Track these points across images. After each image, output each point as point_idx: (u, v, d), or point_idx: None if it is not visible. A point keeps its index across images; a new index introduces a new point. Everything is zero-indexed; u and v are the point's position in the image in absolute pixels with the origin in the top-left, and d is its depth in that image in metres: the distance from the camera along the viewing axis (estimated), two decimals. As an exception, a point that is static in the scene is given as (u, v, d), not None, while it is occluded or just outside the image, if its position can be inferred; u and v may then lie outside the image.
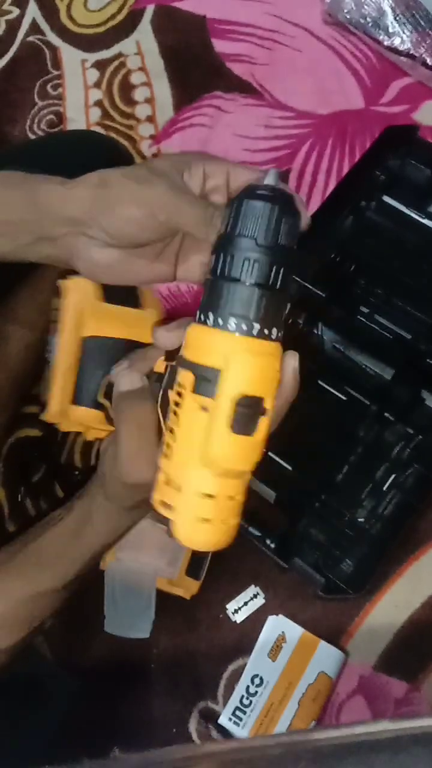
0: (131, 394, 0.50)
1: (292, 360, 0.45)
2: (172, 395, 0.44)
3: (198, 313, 0.43)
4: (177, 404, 0.43)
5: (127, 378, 0.51)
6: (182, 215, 0.45)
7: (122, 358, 0.54)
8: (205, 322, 0.42)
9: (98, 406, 0.55)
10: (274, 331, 0.42)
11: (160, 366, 0.50)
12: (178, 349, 0.45)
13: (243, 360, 0.41)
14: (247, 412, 0.41)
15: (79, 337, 0.54)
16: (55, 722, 0.76)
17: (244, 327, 0.41)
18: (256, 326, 0.41)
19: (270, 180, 0.42)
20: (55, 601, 0.58)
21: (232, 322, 0.41)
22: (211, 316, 0.42)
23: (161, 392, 0.48)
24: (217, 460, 0.42)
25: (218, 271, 0.42)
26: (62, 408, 0.55)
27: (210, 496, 0.43)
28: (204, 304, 0.43)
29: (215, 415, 0.41)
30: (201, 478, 0.43)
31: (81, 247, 0.47)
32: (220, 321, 0.42)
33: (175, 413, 0.43)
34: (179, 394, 0.43)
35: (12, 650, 0.57)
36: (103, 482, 0.53)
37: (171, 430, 0.44)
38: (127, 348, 0.55)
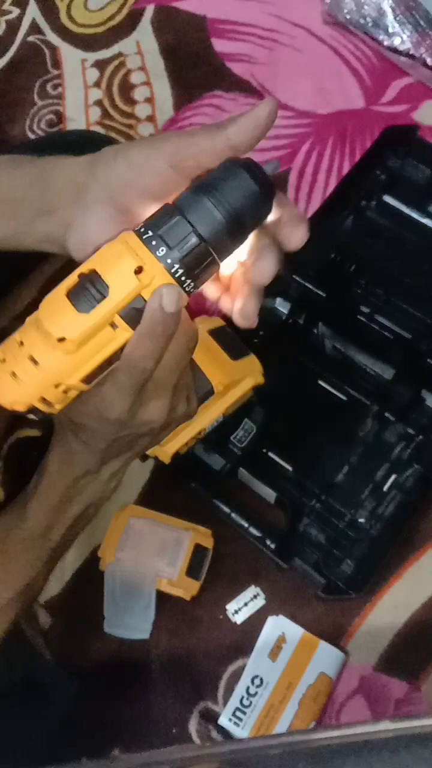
0: None
1: (168, 294, 0.42)
2: None
3: None
4: None
5: None
6: (195, 143, 0.43)
7: None
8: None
9: None
10: (164, 250, 0.42)
11: None
12: None
13: (112, 244, 0.42)
14: (85, 285, 0.42)
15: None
16: (55, 722, 0.76)
17: (141, 229, 0.42)
18: (149, 233, 0.42)
19: (268, 168, 0.44)
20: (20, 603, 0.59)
21: (141, 227, 0.43)
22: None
23: None
24: (40, 315, 0.43)
25: (174, 199, 0.43)
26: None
27: (21, 343, 0.44)
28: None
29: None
30: (29, 332, 0.44)
31: (78, 214, 0.46)
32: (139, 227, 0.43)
33: None
34: None
35: None
36: (75, 430, 0.51)
37: None
38: None
